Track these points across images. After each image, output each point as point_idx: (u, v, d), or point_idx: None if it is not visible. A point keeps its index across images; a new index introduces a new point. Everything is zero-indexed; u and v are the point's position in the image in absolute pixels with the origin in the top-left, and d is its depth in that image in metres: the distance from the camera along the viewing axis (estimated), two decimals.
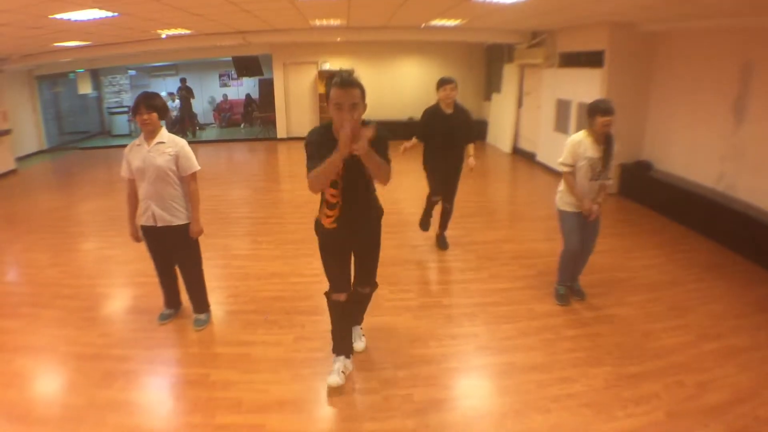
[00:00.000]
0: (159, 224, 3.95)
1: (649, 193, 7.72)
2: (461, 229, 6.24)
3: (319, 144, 2.86)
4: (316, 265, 5.26)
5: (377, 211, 3.35)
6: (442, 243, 5.95)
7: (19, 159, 12.12)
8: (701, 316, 4.39)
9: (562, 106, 9.42)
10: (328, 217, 3.14)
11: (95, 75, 16.43)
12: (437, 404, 3.30)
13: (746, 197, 6.18)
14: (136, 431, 3.08)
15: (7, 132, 11.30)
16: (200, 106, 16.79)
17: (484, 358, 3.83)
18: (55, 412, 3.27)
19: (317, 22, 9.13)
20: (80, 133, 15.83)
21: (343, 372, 3.51)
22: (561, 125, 9.49)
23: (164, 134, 3.92)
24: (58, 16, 5.93)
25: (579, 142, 4.22)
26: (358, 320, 3.92)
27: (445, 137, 5.28)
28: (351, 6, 6.81)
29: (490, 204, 8.39)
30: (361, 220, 3.23)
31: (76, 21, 6.39)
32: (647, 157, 8.13)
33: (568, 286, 4.70)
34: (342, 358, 3.54)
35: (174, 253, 4.17)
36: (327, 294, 3.44)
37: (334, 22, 9.12)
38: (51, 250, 6.26)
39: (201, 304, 4.36)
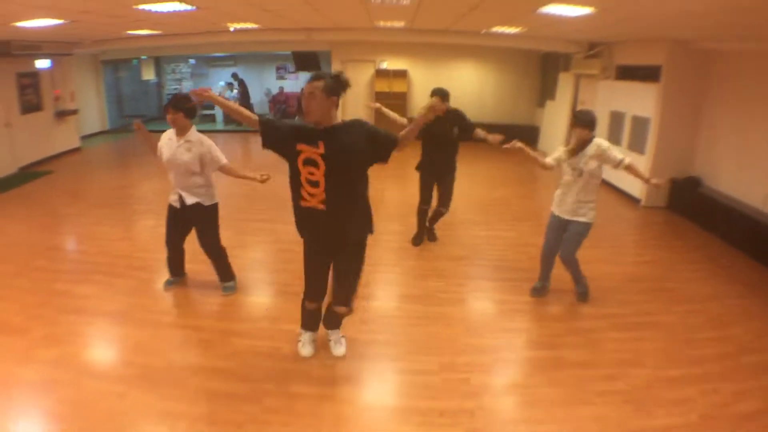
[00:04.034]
0: (188, 203, 4.44)
1: (696, 208, 7.75)
2: (514, 231, 6.44)
3: (286, 129, 3.26)
4: (377, 254, 5.62)
5: (364, 218, 3.37)
6: (431, 236, 6.29)
7: (83, 138, 12.73)
8: (741, 330, 4.52)
9: (616, 118, 9.46)
10: (311, 196, 3.18)
11: (157, 62, 17.02)
12: (492, 389, 3.56)
13: None
14: (216, 394, 3.39)
15: (74, 112, 11.87)
16: (256, 97, 17.20)
17: (535, 351, 4.06)
18: (135, 372, 3.59)
19: (381, 23, 9.36)
20: (140, 117, 16.40)
21: (314, 341, 3.88)
22: (613, 137, 9.53)
23: (193, 133, 4.39)
24: (141, 6, 6.24)
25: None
26: (334, 325, 3.95)
27: (438, 137, 5.58)
28: (419, 10, 7.01)
29: (541, 209, 8.50)
30: (345, 217, 3.26)
31: (155, 12, 6.70)
32: (697, 173, 8.15)
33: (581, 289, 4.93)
34: (309, 332, 3.87)
35: (198, 230, 4.64)
36: (302, 302, 3.72)
37: (398, 23, 9.32)
38: (120, 225, 6.69)
39: (226, 273, 4.87)
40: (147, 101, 17.31)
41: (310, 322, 3.84)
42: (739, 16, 4.79)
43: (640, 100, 8.64)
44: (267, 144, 3.26)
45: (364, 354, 3.88)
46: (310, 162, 3.13)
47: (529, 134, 13.62)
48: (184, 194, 4.42)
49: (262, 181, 4.36)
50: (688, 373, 3.79)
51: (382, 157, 3.20)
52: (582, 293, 4.87)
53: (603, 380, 3.68)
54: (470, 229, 6.43)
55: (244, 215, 7.09)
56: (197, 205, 4.46)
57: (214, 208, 4.60)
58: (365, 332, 4.12)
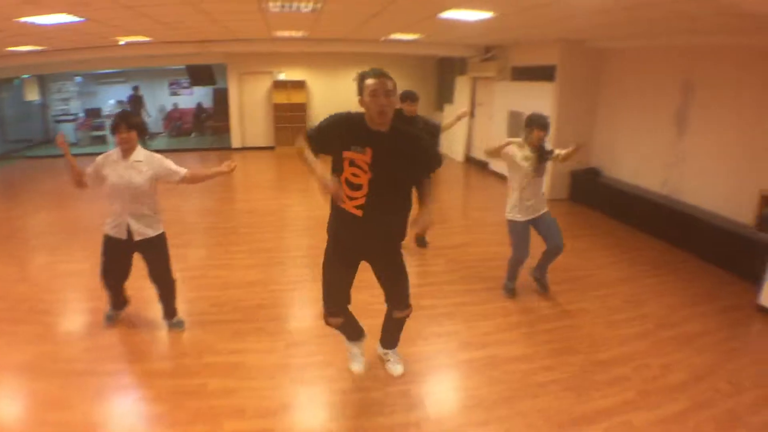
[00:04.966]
0: (136, 238, 4.02)
1: (598, 197, 8.24)
2: (428, 235, 6.47)
3: (332, 132, 3.00)
4: (291, 272, 5.55)
5: (401, 228, 3.18)
6: (422, 242, 6.45)
7: None
8: (656, 307, 4.91)
9: (515, 118, 9.79)
10: (351, 199, 2.96)
11: (42, 81, 15.81)
12: (434, 397, 3.56)
13: (689, 200, 6.74)
14: None
15: None
16: (149, 114, 16.41)
17: (469, 352, 4.10)
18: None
19: (279, 33, 9.21)
20: (23, 141, 15.22)
21: (363, 354, 3.73)
22: (514, 136, 9.82)
23: (140, 152, 3.98)
24: (24, 19, 5.76)
25: (517, 146, 4.64)
26: (393, 343, 3.77)
27: None
28: (319, 19, 6.94)
29: (450, 211, 8.68)
30: (384, 223, 3.08)
31: (40, 25, 6.21)
32: (596, 164, 8.61)
33: (536, 278, 5.17)
34: (356, 342, 3.71)
35: (150, 262, 4.23)
36: (324, 319, 3.45)
37: (297, 33, 9.21)
38: (14, 263, 6.09)
39: (173, 309, 4.49)
40: (31, 124, 16.00)
41: (349, 331, 3.64)
42: (631, 12, 5.09)
43: (536, 100, 8.99)
44: (317, 151, 3.02)
45: (299, 379, 3.73)
46: (354, 164, 2.92)
47: None
48: (132, 224, 3.98)
49: (230, 171, 4.00)
50: (617, 354, 4.06)
51: (426, 175, 3.14)
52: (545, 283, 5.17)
53: (540, 372, 3.81)
54: None
55: None
56: (147, 239, 4.07)
57: (164, 236, 4.22)
58: (297, 356, 3.98)
